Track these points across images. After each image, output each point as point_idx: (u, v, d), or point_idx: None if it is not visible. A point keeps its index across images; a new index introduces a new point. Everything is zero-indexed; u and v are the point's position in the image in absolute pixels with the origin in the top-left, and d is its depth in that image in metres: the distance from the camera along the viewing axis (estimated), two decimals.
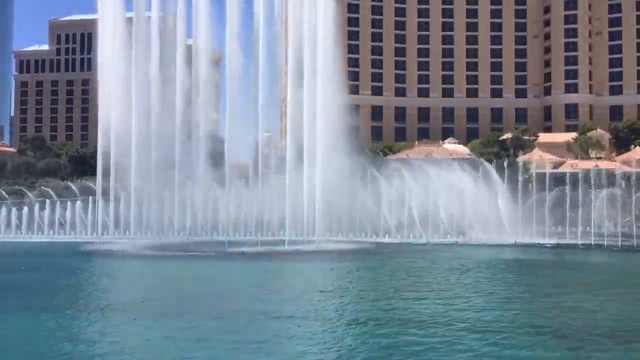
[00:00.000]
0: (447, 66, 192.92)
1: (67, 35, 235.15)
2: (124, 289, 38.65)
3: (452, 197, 78.13)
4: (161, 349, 21.68)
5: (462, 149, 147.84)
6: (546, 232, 78.95)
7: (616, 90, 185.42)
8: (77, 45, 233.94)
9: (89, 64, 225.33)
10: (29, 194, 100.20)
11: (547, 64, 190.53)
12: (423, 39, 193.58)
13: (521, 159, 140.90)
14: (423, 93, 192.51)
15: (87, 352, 21.04)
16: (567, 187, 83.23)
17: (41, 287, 36.94)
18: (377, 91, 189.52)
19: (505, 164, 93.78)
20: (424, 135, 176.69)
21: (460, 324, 24.86)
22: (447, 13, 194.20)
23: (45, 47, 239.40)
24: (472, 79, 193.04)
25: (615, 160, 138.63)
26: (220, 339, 22.68)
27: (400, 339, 22.47)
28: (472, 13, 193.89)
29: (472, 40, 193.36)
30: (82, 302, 31.15)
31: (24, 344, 22.41)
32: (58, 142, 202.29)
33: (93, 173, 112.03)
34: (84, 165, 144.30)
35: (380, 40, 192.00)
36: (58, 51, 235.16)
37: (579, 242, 74.27)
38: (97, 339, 23.01)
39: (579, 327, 24.74)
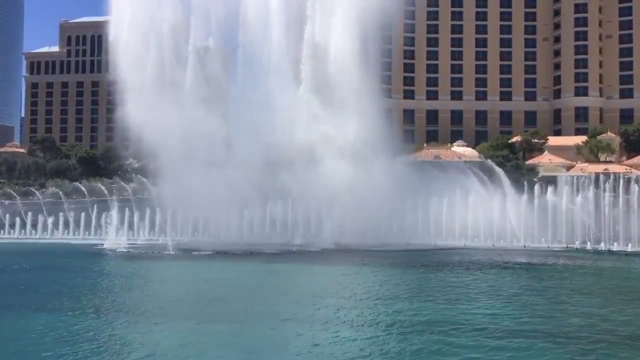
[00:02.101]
0: (456, 69, 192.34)
1: (77, 37, 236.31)
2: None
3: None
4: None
5: (471, 152, 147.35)
6: (556, 236, 78.47)
7: (626, 94, 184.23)
8: (87, 47, 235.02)
9: (99, 66, 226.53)
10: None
11: (557, 67, 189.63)
12: (432, 42, 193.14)
13: (530, 162, 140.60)
14: (432, 96, 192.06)
15: None
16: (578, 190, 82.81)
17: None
18: (385, 94, 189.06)
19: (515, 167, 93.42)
20: (432, 137, 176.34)
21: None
22: (456, 16, 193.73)
23: (56, 48, 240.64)
24: (481, 82, 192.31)
25: (625, 164, 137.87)
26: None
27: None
28: (482, 15, 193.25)
29: (481, 42, 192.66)
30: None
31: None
32: (68, 143, 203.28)
33: (102, 174, 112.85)
34: (93, 166, 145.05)
35: (389, 43, 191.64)
36: (68, 53, 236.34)
37: (589, 246, 73.85)
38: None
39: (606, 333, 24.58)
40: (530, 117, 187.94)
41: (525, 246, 73.90)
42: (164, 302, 32.85)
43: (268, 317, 27.52)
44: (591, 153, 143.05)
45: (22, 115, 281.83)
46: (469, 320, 26.68)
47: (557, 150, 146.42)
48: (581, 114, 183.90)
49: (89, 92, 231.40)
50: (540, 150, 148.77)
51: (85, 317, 27.11)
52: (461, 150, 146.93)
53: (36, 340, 22.90)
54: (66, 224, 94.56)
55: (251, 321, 26.83)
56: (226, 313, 29.00)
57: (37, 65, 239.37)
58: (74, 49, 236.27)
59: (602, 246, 73.20)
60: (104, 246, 69.26)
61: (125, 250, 64.99)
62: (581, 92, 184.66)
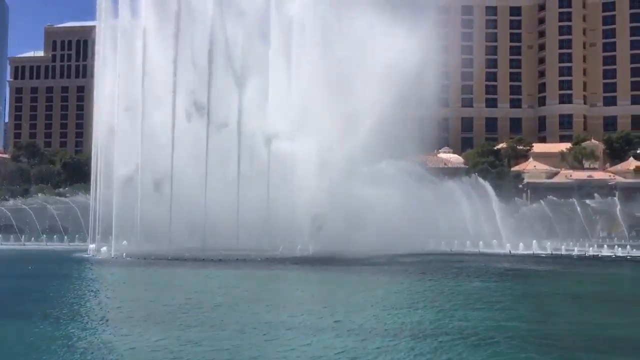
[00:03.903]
0: (442, 76, 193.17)
1: (62, 42, 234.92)
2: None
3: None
4: None
5: (457, 159, 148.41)
6: (540, 242, 78.95)
7: (610, 101, 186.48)
8: (72, 52, 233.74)
9: (84, 71, 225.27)
10: None
11: (542, 74, 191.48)
12: None
13: (516, 168, 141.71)
14: None
15: None
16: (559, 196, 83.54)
17: None
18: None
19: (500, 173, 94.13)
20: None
21: None
22: (442, 23, 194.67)
23: (41, 53, 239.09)
24: (467, 89, 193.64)
25: (609, 171, 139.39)
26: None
27: None
28: (467, 23, 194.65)
29: (466, 50, 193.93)
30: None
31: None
32: (52, 148, 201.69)
33: (87, 180, 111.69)
34: (78, 172, 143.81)
35: None
36: (53, 57, 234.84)
37: (575, 252, 74.32)
38: None
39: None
40: (516, 124, 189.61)
41: (510, 252, 74.21)
42: (157, 308, 32.59)
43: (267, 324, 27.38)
44: (575, 160, 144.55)
45: (6, 120, 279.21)
46: (462, 328, 26.73)
47: (542, 157, 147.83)
48: (565, 121, 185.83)
49: (74, 97, 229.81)
50: (525, 157, 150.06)
51: (70, 324, 26.90)
52: (447, 157, 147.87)
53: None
54: (52, 230, 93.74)
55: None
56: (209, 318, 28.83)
57: (21, 70, 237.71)
58: (59, 53, 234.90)
59: (587, 252, 73.77)
60: (90, 254, 68.41)
61: (113, 256, 64.31)
62: (565, 99, 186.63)
